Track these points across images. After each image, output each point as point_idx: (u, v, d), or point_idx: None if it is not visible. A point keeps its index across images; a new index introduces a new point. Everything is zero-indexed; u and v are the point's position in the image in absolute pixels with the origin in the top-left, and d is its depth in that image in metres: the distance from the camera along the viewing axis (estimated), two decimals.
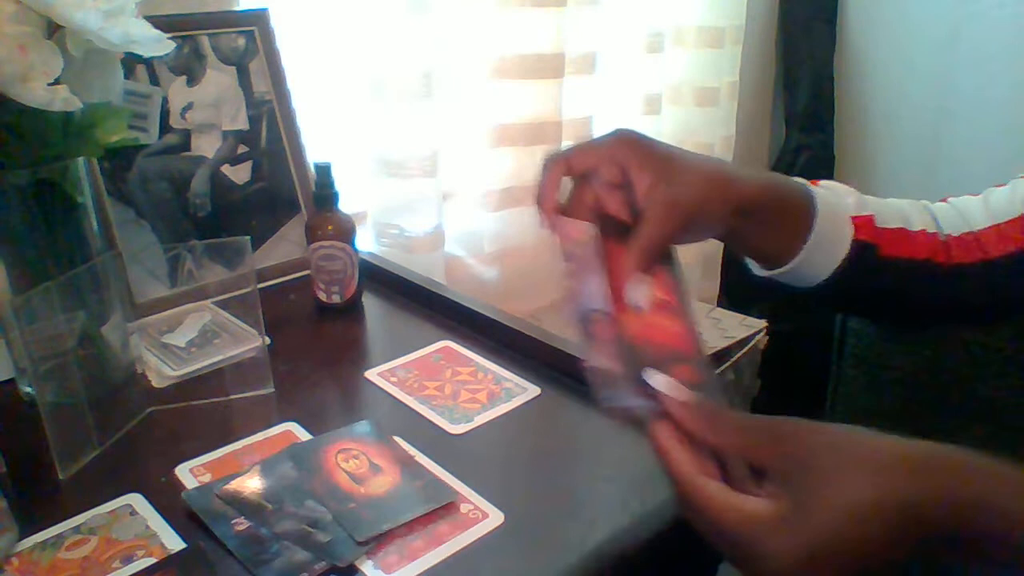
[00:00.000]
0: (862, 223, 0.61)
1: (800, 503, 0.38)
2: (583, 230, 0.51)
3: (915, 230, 0.63)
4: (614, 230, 0.53)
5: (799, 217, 0.60)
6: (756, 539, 0.38)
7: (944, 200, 0.68)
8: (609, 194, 0.54)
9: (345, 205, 0.83)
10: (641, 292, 0.51)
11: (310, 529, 0.53)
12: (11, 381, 0.70)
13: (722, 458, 0.43)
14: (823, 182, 0.64)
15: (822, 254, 0.60)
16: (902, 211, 0.64)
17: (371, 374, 0.73)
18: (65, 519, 0.55)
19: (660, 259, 0.52)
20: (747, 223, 0.57)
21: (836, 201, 0.62)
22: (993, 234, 0.62)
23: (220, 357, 0.73)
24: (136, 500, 0.57)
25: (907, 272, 0.63)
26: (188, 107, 0.86)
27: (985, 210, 0.64)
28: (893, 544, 0.38)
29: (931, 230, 0.64)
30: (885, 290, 0.64)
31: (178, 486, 0.58)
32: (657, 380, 0.45)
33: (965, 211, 0.65)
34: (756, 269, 0.65)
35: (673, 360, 0.48)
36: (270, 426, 0.65)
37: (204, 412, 0.68)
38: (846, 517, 0.37)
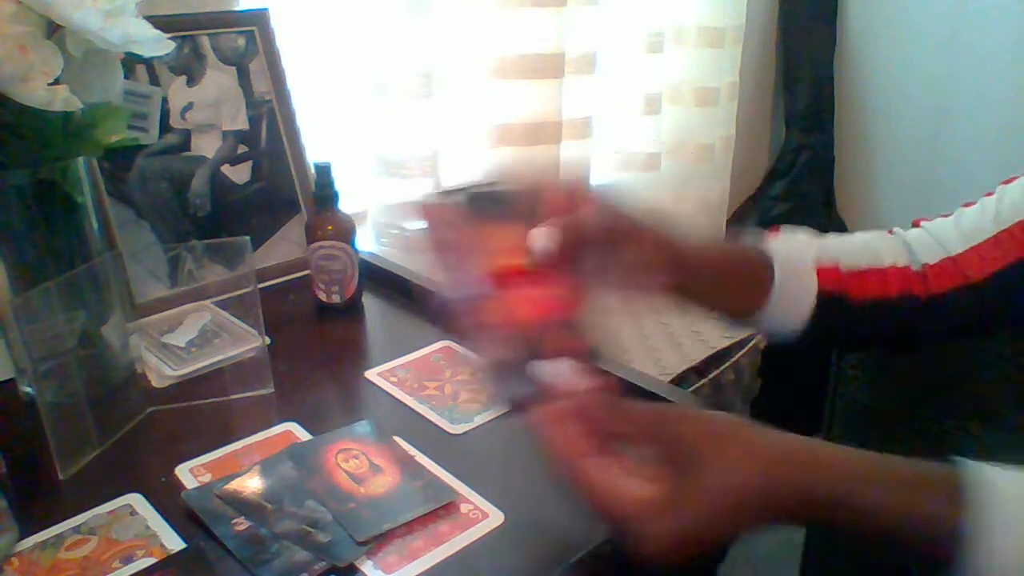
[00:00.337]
0: (827, 273, 0.61)
1: (682, 489, 0.42)
2: (456, 212, 0.49)
3: (885, 266, 0.63)
4: (495, 210, 0.51)
5: (757, 277, 0.60)
6: (637, 521, 0.42)
7: (917, 224, 0.67)
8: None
9: (345, 205, 0.83)
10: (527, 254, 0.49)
11: (310, 529, 0.53)
12: (11, 381, 0.70)
13: (612, 440, 0.45)
14: (784, 229, 0.64)
15: (787, 310, 0.61)
16: (870, 246, 0.64)
17: (371, 374, 0.73)
18: (65, 519, 0.55)
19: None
20: (697, 280, 0.58)
21: (796, 254, 0.62)
22: (972, 256, 0.62)
23: (220, 357, 0.73)
24: (136, 500, 0.57)
25: (882, 312, 0.63)
26: (188, 107, 0.86)
27: (958, 232, 0.63)
28: (752, 526, 0.43)
29: (903, 263, 0.64)
30: (864, 332, 0.65)
31: (178, 486, 0.58)
32: (549, 369, 0.45)
33: (939, 236, 0.64)
34: (726, 325, 0.65)
35: (559, 331, 0.48)
36: (270, 426, 0.65)
37: (204, 412, 0.68)
38: (720, 505, 0.41)
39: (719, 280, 0.59)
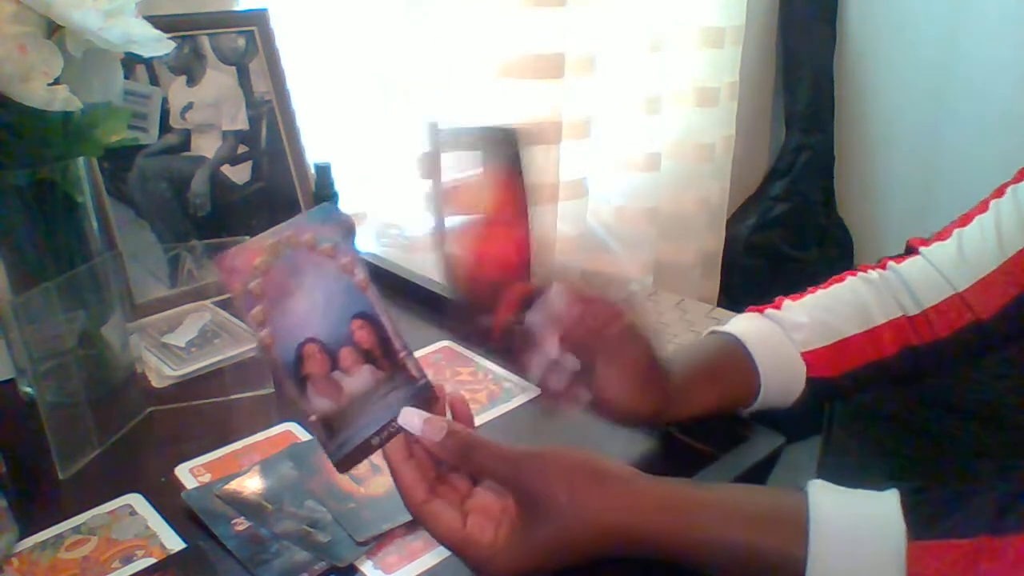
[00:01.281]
0: (814, 357, 0.60)
1: (521, 534, 0.44)
2: (261, 249, 0.43)
3: (878, 324, 0.62)
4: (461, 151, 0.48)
5: (742, 388, 0.59)
6: (479, 561, 0.44)
7: (914, 247, 0.66)
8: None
9: (345, 205, 0.83)
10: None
11: (310, 529, 0.53)
12: (11, 381, 0.70)
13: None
14: (765, 314, 0.62)
15: (776, 401, 0.60)
16: (861, 303, 0.63)
17: None
18: (65, 519, 0.55)
19: (510, 162, 0.48)
20: (680, 412, 0.57)
21: (777, 346, 0.60)
22: (980, 291, 0.61)
23: (220, 357, 0.73)
24: (136, 500, 0.57)
25: (879, 371, 0.62)
26: (188, 107, 0.86)
27: (961, 261, 0.62)
28: (586, 559, 0.45)
29: (897, 314, 0.62)
30: (859, 390, 0.64)
31: (178, 486, 0.58)
32: (408, 421, 0.45)
33: (942, 267, 0.63)
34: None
35: (504, 281, 0.48)
36: (270, 426, 0.65)
37: (204, 412, 0.68)
38: (552, 549, 0.44)
39: (704, 407, 0.58)
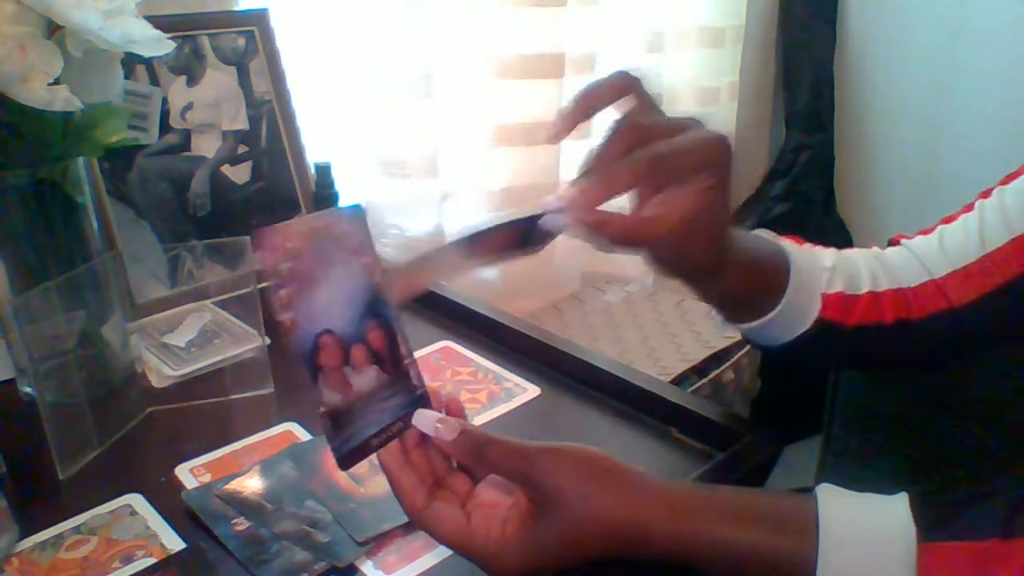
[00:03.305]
0: (831, 301, 0.60)
1: (532, 529, 0.44)
2: (296, 234, 0.43)
3: (881, 290, 0.62)
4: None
5: (773, 285, 0.58)
6: (486, 557, 0.44)
7: (896, 242, 0.66)
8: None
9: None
10: None
11: (310, 529, 0.53)
12: (11, 381, 0.70)
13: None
14: (804, 247, 0.62)
15: (785, 325, 0.59)
16: (870, 269, 0.63)
17: None
18: (65, 519, 0.55)
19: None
20: (728, 260, 0.54)
21: (810, 272, 0.60)
22: (955, 281, 0.61)
23: (220, 357, 0.73)
24: (136, 500, 0.57)
25: (876, 337, 0.62)
26: (188, 107, 0.86)
27: (941, 253, 0.62)
28: (593, 557, 0.45)
29: (894, 286, 0.62)
30: (854, 354, 0.64)
31: (178, 486, 0.58)
32: (421, 422, 0.45)
33: (923, 256, 0.63)
34: (715, 318, 0.63)
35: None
36: (270, 426, 0.65)
37: (204, 412, 0.68)
38: (563, 544, 0.44)
39: (741, 275, 0.56)
